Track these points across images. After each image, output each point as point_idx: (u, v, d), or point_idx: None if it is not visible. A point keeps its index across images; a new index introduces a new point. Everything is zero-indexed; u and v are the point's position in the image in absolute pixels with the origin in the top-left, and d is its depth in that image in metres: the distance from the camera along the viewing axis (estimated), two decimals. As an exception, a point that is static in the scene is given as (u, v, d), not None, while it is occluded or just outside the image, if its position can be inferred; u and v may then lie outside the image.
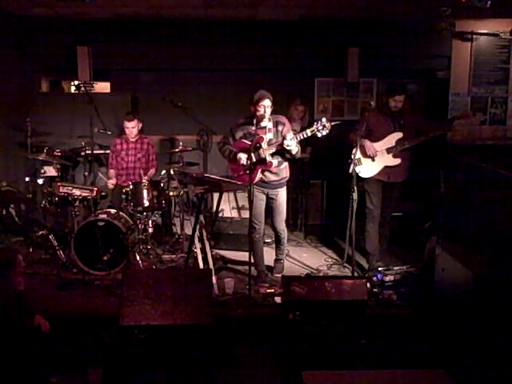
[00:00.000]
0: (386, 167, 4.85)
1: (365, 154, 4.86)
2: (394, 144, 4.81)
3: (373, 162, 4.86)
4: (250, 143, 4.49)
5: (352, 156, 4.73)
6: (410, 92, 7.33)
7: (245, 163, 4.48)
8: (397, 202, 5.09)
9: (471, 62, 6.97)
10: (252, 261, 4.47)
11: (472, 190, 4.92)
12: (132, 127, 5.71)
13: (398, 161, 4.82)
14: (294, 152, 4.42)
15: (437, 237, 4.63)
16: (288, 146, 4.34)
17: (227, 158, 4.74)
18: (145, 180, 5.09)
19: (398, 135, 4.80)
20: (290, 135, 4.38)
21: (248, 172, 4.35)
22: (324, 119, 4.28)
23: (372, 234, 5.00)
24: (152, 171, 5.80)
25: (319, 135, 4.30)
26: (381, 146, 4.84)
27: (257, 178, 4.53)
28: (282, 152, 4.53)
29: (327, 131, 4.28)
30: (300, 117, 6.20)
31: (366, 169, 4.88)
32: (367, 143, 4.82)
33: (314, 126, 4.29)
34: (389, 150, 4.84)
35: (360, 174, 4.86)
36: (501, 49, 6.97)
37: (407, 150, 4.83)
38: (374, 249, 5.03)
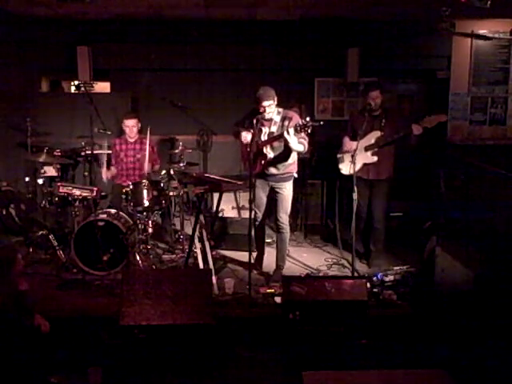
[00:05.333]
0: (364, 164, 5.01)
1: (344, 152, 5.12)
2: (372, 142, 4.96)
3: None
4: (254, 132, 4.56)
5: (338, 155, 5.11)
6: (409, 92, 7.42)
7: (245, 141, 4.58)
8: (386, 204, 5.17)
9: (471, 61, 6.96)
10: (252, 261, 4.48)
11: (472, 189, 4.92)
12: (132, 126, 5.67)
13: (375, 158, 4.98)
14: (291, 144, 4.37)
15: (437, 237, 4.63)
16: (286, 135, 4.31)
17: (236, 136, 4.81)
18: (145, 180, 5.10)
19: (377, 134, 4.96)
20: (291, 130, 4.37)
21: (249, 161, 4.45)
22: (308, 118, 4.21)
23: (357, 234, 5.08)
24: (157, 167, 5.80)
25: (302, 134, 4.29)
26: (360, 144, 4.92)
27: (257, 168, 4.62)
28: (285, 146, 4.54)
29: (309, 131, 4.23)
30: None
31: (347, 166, 4.99)
32: (344, 140, 5.13)
33: (297, 125, 4.25)
34: (367, 148, 4.98)
35: (342, 172, 5.14)
36: (501, 49, 6.96)
37: (388, 149, 4.98)
38: (359, 247, 5.22)
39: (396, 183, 5.20)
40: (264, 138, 4.58)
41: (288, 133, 4.29)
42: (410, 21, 6.85)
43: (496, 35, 6.85)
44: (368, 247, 5.29)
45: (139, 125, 5.78)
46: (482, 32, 6.75)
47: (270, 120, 4.57)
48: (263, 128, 4.60)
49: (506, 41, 6.87)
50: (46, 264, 5.11)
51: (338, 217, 5.42)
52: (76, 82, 7.23)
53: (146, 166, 5.48)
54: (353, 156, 4.70)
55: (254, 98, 4.55)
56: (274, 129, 4.57)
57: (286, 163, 4.63)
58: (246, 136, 4.57)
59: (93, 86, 6.90)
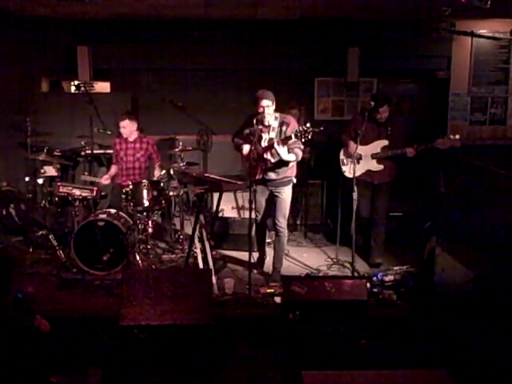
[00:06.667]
0: (369, 171, 5.05)
1: (349, 155, 5.07)
2: (379, 150, 5.00)
3: (357, 164, 4.94)
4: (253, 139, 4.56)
5: (341, 157, 5.15)
6: (409, 92, 7.42)
7: (245, 153, 4.62)
8: (388, 203, 5.18)
9: (471, 61, 6.97)
10: (253, 261, 4.49)
11: (472, 189, 4.93)
12: (123, 127, 5.61)
13: (381, 167, 5.03)
14: (281, 155, 4.41)
15: (437, 237, 4.63)
16: (276, 146, 4.37)
17: (237, 149, 4.81)
18: (145, 180, 5.11)
19: (384, 143, 4.98)
20: (280, 145, 4.39)
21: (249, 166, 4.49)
22: (308, 124, 4.21)
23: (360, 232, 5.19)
24: (158, 163, 5.78)
25: (303, 140, 4.27)
26: (366, 150, 5.00)
27: (258, 174, 4.63)
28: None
29: (309, 137, 4.22)
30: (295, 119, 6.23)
31: (350, 168, 4.99)
32: (350, 143, 5.04)
33: (297, 131, 4.22)
34: (373, 156, 5.03)
35: (345, 174, 5.17)
36: (501, 49, 6.96)
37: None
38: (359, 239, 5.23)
39: (396, 183, 5.20)
40: (264, 144, 4.58)
41: (278, 144, 4.35)
42: (410, 21, 6.85)
43: (496, 35, 6.85)
44: (369, 242, 5.30)
45: (134, 125, 5.72)
46: (481, 32, 6.76)
47: (269, 126, 4.58)
48: (263, 135, 4.59)
49: (506, 41, 6.87)
50: (46, 264, 5.10)
51: (340, 216, 5.41)
52: (76, 82, 7.22)
53: (157, 172, 5.57)
54: (358, 158, 4.77)
55: (253, 99, 4.55)
56: (272, 135, 4.57)
57: (285, 168, 4.64)
58: (244, 147, 4.65)
59: (93, 86, 6.90)
